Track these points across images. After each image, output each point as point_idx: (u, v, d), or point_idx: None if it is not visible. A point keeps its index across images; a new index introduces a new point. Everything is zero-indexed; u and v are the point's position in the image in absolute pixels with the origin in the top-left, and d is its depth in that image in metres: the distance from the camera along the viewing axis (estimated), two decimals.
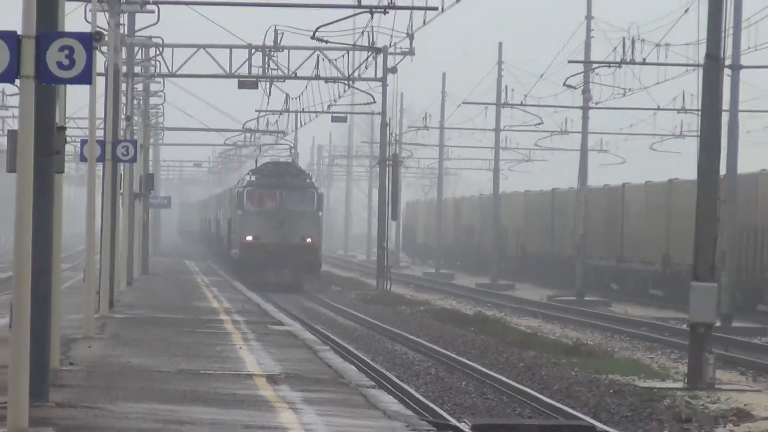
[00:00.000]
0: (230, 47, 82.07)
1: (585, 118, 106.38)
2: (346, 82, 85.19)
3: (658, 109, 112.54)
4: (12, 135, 25.08)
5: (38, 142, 24.48)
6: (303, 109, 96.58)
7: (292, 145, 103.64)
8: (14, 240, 24.45)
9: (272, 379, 34.81)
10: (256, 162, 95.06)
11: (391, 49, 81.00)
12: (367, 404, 31.38)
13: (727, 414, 39.40)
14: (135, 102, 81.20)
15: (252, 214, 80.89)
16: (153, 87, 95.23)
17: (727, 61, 58.35)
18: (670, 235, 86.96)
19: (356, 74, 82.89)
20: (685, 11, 58.97)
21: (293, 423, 27.25)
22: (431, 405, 38.15)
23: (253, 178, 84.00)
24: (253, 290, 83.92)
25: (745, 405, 41.17)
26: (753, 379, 49.37)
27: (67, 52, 24.06)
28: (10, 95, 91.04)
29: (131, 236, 76.33)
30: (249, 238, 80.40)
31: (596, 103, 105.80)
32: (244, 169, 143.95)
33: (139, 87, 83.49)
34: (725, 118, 64.57)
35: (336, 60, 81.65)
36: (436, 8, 64.47)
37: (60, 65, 23.93)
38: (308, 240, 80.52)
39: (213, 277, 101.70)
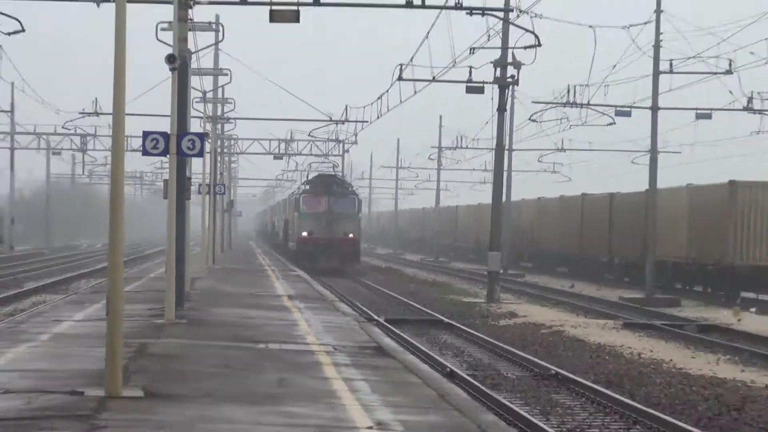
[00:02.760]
0: (269, 139, 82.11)
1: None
2: (325, 156, 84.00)
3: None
4: (165, 182, 25.65)
5: (178, 185, 24.72)
6: (305, 169, 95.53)
7: (335, 164, 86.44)
8: (167, 232, 24.70)
9: (290, 297, 34.92)
10: (307, 175, 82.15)
11: (347, 140, 79.65)
12: (335, 309, 31.36)
13: (505, 314, 39.53)
14: (224, 164, 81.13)
15: (307, 215, 66.43)
16: (233, 158, 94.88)
17: (507, 147, 57.76)
18: (479, 229, 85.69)
19: (329, 152, 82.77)
20: (486, 123, 57.91)
21: (299, 316, 27.40)
22: (366, 309, 38.17)
23: (307, 187, 69.72)
24: (281, 254, 79.40)
25: (514, 310, 41.34)
26: (517, 298, 49.38)
27: (191, 142, 23.92)
28: (164, 162, 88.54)
29: (222, 231, 76.07)
30: (304, 233, 66.13)
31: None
32: (278, 197, 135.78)
33: (227, 158, 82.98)
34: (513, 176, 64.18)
35: (320, 145, 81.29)
36: (366, 121, 63.93)
37: (188, 148, 23.76)
38: (351, 235, 66.33)
39: (263, 249, 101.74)
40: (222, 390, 14.64)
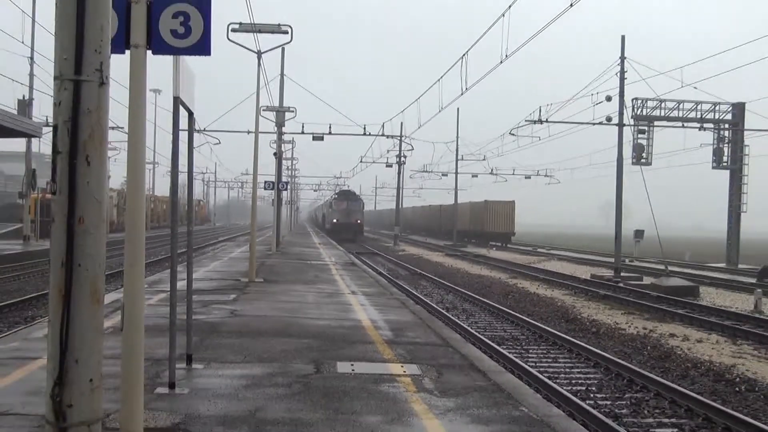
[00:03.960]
0: (312, 183, 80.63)
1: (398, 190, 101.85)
2: (334, 191, 78.45)
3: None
4: (272, 200, 24.26)
5: (277, 200, 24.03)
6: (333, 193, 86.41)
7: (348, 185, 71.43)
8: (273, 219, 23.96)
9: (321, 244, 34.17)
10: (335, 188, 65.38)
11: (342, 185, 74.55)
12: (338, 249, 30.33)
13: (400, 250, 38.52)
14: (295, 192, 78.41)
15: (336, 210, 51.70)
16: (299, 191, 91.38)
17: (402, 188, 55.14)
18: (392, 218, 76.44)
19: (335, 189, 77.66)
20: (393, 178, 53.79)
21: (323, 252, 26.46)
22: (352, 251, 37.13)
23: (336, 195, 55.07)
24: (320, 231, 69.42)
25: (404, 248, 40.52)
26: (406, 244, 48.12)
27: (283, 184, 22.53)
28: (272, 192, 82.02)
29: (294, 219, 74.22)
30: (334, 220, 51.26)
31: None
32: (318, 203, 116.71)
33: (296, 190, 79.61)
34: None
35: (331, 186, 76.89)
36: (349, 177, 62.71)
37: (281, 187, 22.29)
38: (358, 221, 50.90)
39: (312, 228, 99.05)
40: (293, 279, 14.38)
